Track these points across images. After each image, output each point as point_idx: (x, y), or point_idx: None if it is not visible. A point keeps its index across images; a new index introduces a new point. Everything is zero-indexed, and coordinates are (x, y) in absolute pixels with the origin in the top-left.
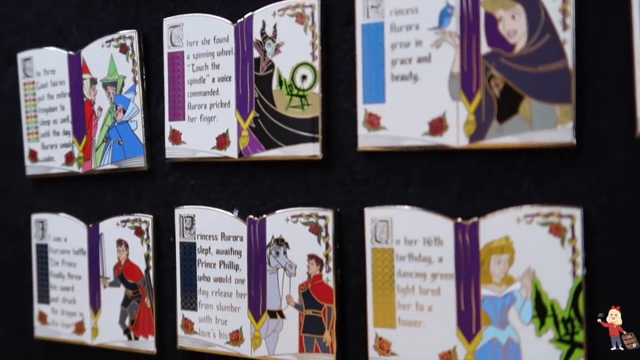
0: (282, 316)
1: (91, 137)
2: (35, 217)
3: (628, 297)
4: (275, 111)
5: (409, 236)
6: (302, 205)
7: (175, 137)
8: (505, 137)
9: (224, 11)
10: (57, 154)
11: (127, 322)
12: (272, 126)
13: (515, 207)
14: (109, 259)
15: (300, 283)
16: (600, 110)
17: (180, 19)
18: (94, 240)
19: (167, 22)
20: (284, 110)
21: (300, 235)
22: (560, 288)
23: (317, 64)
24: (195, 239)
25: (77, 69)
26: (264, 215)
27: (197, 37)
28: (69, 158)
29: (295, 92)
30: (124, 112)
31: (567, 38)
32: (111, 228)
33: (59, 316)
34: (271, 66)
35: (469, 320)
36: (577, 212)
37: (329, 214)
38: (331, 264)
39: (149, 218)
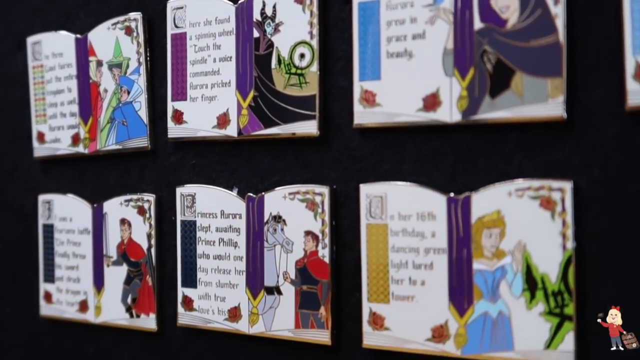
0: (279, 292)
1: (97, 118)
2: (42, 197)
3: (617, 270)
4: (274, 90)
5: (403, 211)
6: (299, 183)
7: (178, 117)
8: (497, 112)
9: None
10: (64, 135)
11: (129, 300)
12: (271, 105)
13: (507, 181)
14: (113, 238)
15: (296, 259)
16: (591, 84)
17: (183, 0)
18: (98, 220)
19: (171, 4)
20: (282, 89)
21: (297, 212)
22: (550, 261)
23: (315, 43)
24: (195, 217)
25: (83, 51)
26: (263, 193)
27: (200, 18)
28: (75, 139)
29: (293, 70)
30: (129, 93)
31: (559, 12)
32: (115, 207)
33: (63, 295)
34: (270, 45)
35: (460, 295)
36: (567, 186)
37: (325, 190)
38: (327, 240)
39: (151, 197)
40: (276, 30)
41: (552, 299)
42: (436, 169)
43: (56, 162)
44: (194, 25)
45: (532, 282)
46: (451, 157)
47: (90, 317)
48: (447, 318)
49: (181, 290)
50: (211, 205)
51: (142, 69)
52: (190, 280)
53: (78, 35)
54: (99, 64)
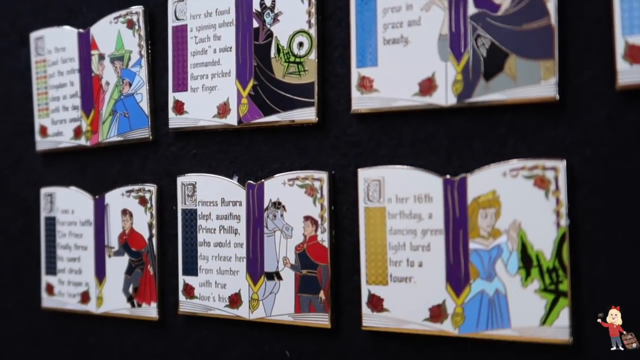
0: (279, 277)
1: (98, 110)
2: (44, 190)
3: (610, 246)
4: (273, 78)
5: (400, 194)
6: (298, 169)
7: (179, 108)
8: (491, 94)
9: None
10: (66, 128)
11: (130, 289)
12: (271, 93)
13: (502, 162)
14: (114, 228)
15: (296, 244)
16: (582, 65)
17: None
18: (100, 211)
19: None
20: (281, 77)
21: (296, 197)
22: (544, 239)
23: (313, 32)
24: (196, 205)
25: (86, 45)
26: (262, 180)
27: (200, 10)
28: (77, 132)
29: (292, 59)
30: (130, 85)
31: None
32: (116, 198)
33: (65, 287)
34: (270, 35)
35: (457, 274)
36: (560, 165)
37: (324, 176)
38: (326, 225)
39: (152, 187)
40: (275, 20)
41: (547, 276)
42: (432, 152)
43: (58, 155)
44: (194, 17)
45: (527, 260)
46: (447, 140)
47: (91, 307)
48: (444, 298)
49: (182, 279)
50: (212, 193)
51: (144, 61)
52: (191, 268)
53: (81, 30)
54: (101, 57)
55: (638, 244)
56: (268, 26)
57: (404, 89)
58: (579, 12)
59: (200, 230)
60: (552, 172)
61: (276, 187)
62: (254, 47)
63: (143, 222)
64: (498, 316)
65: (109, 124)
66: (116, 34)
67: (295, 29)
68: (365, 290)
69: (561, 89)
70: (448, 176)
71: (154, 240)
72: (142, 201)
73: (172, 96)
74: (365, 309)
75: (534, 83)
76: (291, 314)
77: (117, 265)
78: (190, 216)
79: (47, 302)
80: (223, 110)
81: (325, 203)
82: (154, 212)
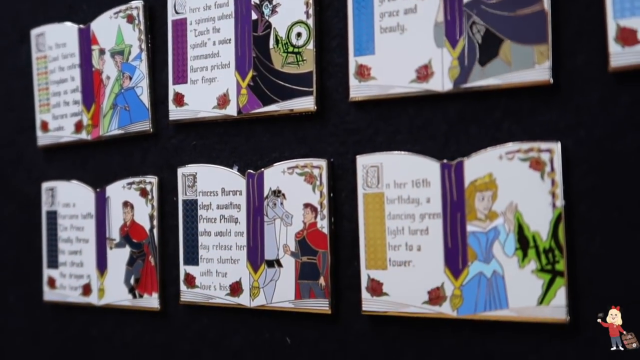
0: (280, 265)
1: (99, 104)
2: (45, 185)
3: (605, 226)
4: (272, 69)
5: (398, 180)
6: (298, 157)
7: (179, 100)
8: (487, 79)
9: None
10: (67, 123)
11: (132, 281)
12: (270, 83)
13: (498, 145)
14: (115, 220)
15: (296, 232)
16: (575, 49)
17: None
18: (101, 204)
19: None
20: (280, 68)
21: (296, 185)
22: (541, 220)
23: (311, 22)
24: (196, 196)
25: (86, 41)
26: (262, 169)
27: (199, 3)
28: (78, 126)
29: (290, 49)
30: (131, 79)
31: None
32: (117, 191)
33: (67, 280)
34: (268, 26)
35: (455, 257)
36: (555, 147)
37: (323, 163)
38: (325, 212)
39: (153, 179)
40: (273, 11)
41: (543, 257)
42: (429, 138)
43: (59, 149)
44: (193, 10)
45: (524, 241)
46: (444, 126)
47: (93, 300)
48: (443, 281)
49: (183, 269)
50: (212, 183)
51: (144, 55)
52: (192, 258)
53: (81, 26)
54: (102, 52)
55: (632, 223)
56: (266, 17)
57: (401, 76)
58: None
59: (201, 220)
60: (547, 154)
61: (276, 175)
62: (253, 39)
63: (144, 214)
64: (496, 297)
65: (109, 117)
66: (116, 28)
67: (293, 19)
68: (364, 275)
69: (555, 73)
70: (445, 161)
71: (155, 231)
72: (143, 193)
73: (172, 89)
74: (364, 294)
75: (528, 67)
76: (291, 301)
77: (118, 257)
78: (191, 206)
79: (49, 295)
80: (223, 101)
81: (325, 190)
82: (155, 204)
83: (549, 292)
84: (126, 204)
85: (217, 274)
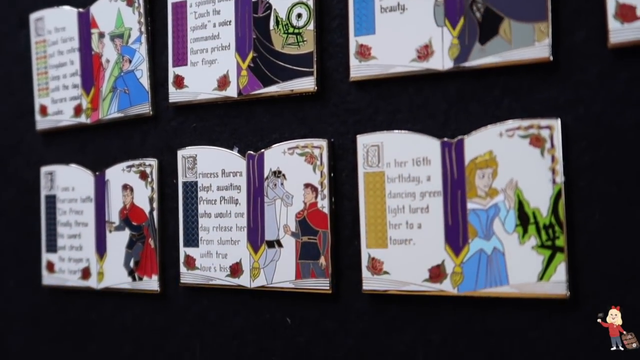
0: (280, 245)
1: (99, 88)
2: (44, 169)
3: (604, 201)
4: (272, 50)
5: (399, 158)
6: (298, 138)
7: (179, 82)
8: (487, 57)
9: None
10: (66, 106)
11: (131, 263)
12: (270, 64)
13: (498, 122)
14: (115, 204)
15: (296, 212)
16: (574, 26)
17: None
18: (101, 187)
19: None
20: (280, 49)
21: (296, 166)
22: (541, 196)
23: (311, 3)
24: (197, 177)
25: (86, 24)
26: (262, 150)
27: None
28: (78, 110)
29: (291, 30)
30: (130, 62)
31: None
32: (117, 174)
33: (65, 264)
34: (268, 8)
35: (456, 234)
36: (555, 123)
37: (324, 143)
38: (326, 191)
39: (153, 162)
40: None
41: (543, 233)
42: (430, 116)
43: (58, 133)
44: None
45: (524, 218)
46: (444, 104)
47: (92, 283)
48: (443, 258)
49: (183, 250)
50: (212, 165)
51: (144, 38)
52: (192, 240)
53: (80, 9)
54: (101, 35)
55: (631, 199)
56: None
57: (402, 56)
58: None
59: (201, 201)
60: (547, 130)
61: (276, 156)
62: (253, 20)
63: (144, 197)
64: (496, 274)
65: (109, 100)
66: (116, 12)
67: (293, 0)
68: (365, 254)
69: (555, 50)
70: (445, 139)
71: (155, 213)
72: (143, 176)
73: (172, 71)
74: (365, 273)
75: (528, 45)
76: (292, 281)
77: (118, 240)
78: (191, 188)
79: (48, 279)
80: (223, 82)
81: (325, 170)
82: (154, 186)
83: (549, 268)
84: (126, 187)
85: (217, 255)
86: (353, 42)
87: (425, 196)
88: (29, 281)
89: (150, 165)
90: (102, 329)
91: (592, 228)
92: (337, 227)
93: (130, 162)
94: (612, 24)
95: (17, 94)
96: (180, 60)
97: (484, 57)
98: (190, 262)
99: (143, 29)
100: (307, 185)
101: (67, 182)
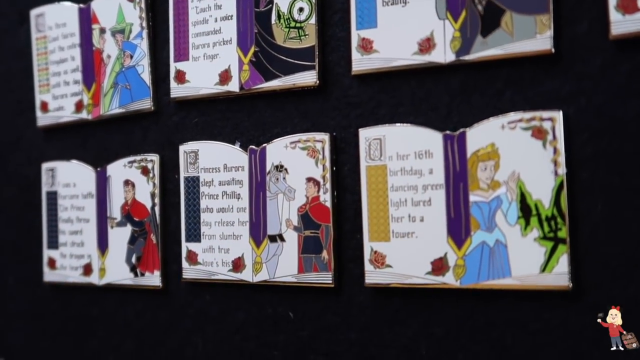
0: (282, 239)
1: (100, 84)
2: (45, 165)
3: (606, 192)
4: (274, 44)
5: (401, 151)
6: (300, 132)
7: (180, 77)
8: (489, 50)
9: None
10: (67, 103)
11: (133, 259)
12: (272, 58)
13: (500, 115)
14: (116, 199)
15: (299, 206)
16: (576, 18)
17: None
18: (102, 183)
19: None
20: (282, 43)
21: (298, 160)
22: (543, 188)
23: None
24: (198, 172)
25: (87, 20)
26: (264, 144)
27: None
28: (79, 106)
29: (292, 24)
30: (131, 57)
31: None
32: (118, 170)
33: (67, 260)
34: (270, 2)
35: (458, 227)
36: (557, 115)
37: (326, 137)
38: (328, 185)
39: (155, 157)
40: None
41: (545, 224)
42: (432, 109)
43: (60, 130)
44: None
45: (526, 210)
46: (446, 97)
47: (94, 279)
48: (446, 251)
49: (185, 246)
50: (214, 160)
51: (145, 34)
52: (194, 235)
53: (81, 5)
54: (102, 31)
55: (633, 190)
56: None
57: (404, 49)
58: None
59: (203, 196)
60: (549, 122)
61: (278, 150)
62: (255, 14)
63: (145, 192)
64: (499, 266)
65: (110, 96)
66: (117, 7)
67: None
68: (367, 247)
69: (556, 42)
70: (448, 132)
71: (157, 209)
72: (145, 171)
73: (173, 66)
74: (368, 266)
75: (529, 37)
76: (294, 275)
77: (119, 236)
78: (193, 183)
79: (49, 276)
80: (224, 77)
81: (327, 164)
82: (156, 182)
83: (551, 259)
84: (127, 182)
85: (219, 250)
86: (355, 35)
87: (427, 189)
88: (31, 278)
89: (152, 160)
90: (104, 325)
91: (594, 219)
92: (340, 221)
93: (131, 158)
94: (614, 15)
95: (18, 90)
96: (182, 55)
97: (485, 50)
98: (192, 258)
99: (144, 24)
100: (309, 179)
101: (69, 178)
